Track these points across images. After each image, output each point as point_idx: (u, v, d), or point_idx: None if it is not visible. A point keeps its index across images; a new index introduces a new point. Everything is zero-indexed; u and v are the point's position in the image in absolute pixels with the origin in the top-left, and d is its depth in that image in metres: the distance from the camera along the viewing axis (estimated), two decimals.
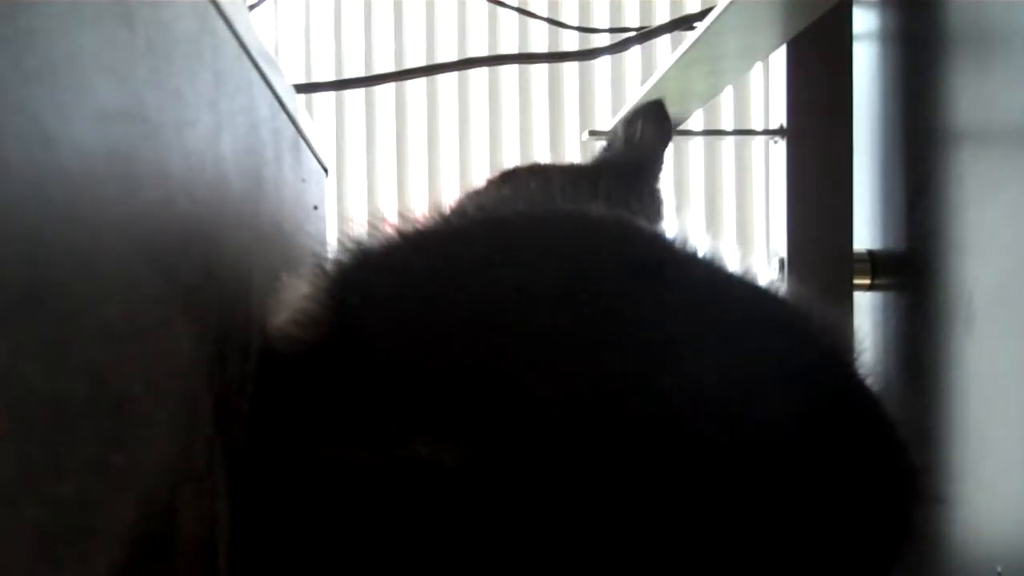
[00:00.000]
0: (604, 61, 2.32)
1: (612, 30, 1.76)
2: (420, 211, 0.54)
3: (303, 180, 0.76)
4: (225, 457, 0.46)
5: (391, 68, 2.31)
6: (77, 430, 0.28)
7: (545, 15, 2.18)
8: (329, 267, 0.54)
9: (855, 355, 0.50)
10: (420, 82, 2.35)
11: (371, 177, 2.36)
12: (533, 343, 0.45)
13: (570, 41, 2.17)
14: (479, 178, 2.33)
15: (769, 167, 1.56)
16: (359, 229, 0.54)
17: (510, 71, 2.38)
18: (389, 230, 0.54)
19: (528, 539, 0.41)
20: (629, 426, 0.43)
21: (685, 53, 1.15)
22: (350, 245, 0.54)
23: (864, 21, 1.08)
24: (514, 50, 2.37)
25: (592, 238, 0.52)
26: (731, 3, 0.98)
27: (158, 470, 0.36)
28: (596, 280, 0.48)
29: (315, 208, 0.83)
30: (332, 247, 0.55)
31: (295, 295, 0.54)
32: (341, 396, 0.47)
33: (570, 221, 0.53)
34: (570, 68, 2.38)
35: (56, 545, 0.27)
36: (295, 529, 0.46)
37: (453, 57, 2.29)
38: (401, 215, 0.54)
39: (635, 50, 2.27)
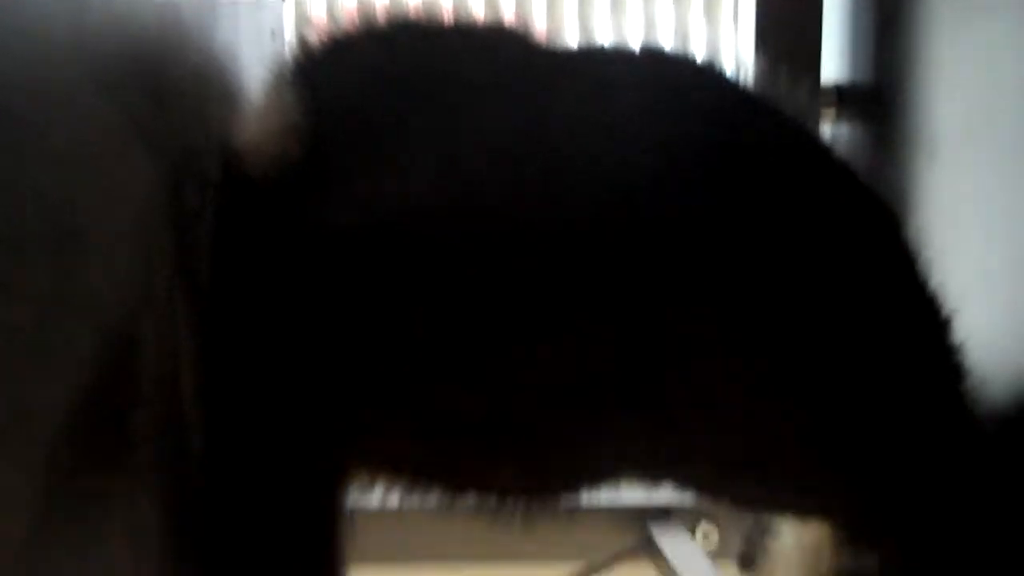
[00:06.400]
0: None
1: None
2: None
3: (259, 6, 0.74)
4: (186, 285, 0.46)
5: None
6: (29, 258, 0.28)
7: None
8: (294, 78, 0.54)
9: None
10: None
11: None
12: (464, 116, 0.50)
13: None
14: None
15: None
16: (311, 38, 0.56)
17: None
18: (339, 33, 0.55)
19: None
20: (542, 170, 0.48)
21: None
22: (308, 50, 0.55)
23: None
24: None
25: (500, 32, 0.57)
26: None
27: (116, 299, 0.37)
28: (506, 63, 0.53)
29: (272, 34, 0.81)
30: (289, 59, 0.56)
31: (263, 112, 0.54)
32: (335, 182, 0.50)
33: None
34: None
35: (13, 362, 0.27)
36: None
37: None
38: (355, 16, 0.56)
39: None
